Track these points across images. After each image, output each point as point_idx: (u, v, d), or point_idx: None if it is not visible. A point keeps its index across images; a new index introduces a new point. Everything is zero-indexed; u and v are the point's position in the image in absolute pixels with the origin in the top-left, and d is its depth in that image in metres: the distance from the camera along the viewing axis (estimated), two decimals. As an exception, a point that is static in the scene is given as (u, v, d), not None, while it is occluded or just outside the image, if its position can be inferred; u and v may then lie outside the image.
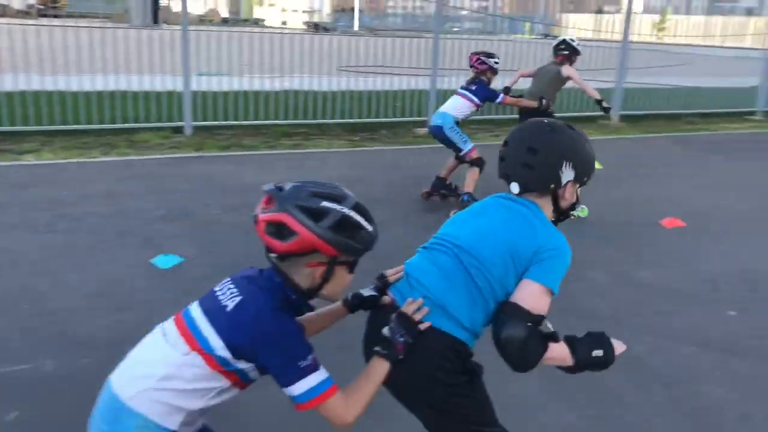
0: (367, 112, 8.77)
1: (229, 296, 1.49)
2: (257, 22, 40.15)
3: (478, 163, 5.22)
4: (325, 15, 48.27)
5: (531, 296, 1.59)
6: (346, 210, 1.43)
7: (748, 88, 11.71)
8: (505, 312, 1.60)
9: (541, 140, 1.71)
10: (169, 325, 1.52)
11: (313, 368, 1.42)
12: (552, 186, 1.70)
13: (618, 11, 10.03)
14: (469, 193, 5.07)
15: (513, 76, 6.26)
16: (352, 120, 8.55)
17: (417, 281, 1.68)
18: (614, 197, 5.77)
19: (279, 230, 1.40)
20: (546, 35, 10.08)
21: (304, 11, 47.13)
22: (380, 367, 1.56)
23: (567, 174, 1.70)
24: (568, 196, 1.73)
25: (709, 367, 2.95)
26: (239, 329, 1.42)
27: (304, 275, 1.46)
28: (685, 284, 3.89)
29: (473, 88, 5.38)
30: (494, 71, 5.46)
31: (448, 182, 5.52)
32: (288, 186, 1.47)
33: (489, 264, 1.63)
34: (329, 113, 8.58)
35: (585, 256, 3.82)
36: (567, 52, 5.63)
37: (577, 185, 1.75)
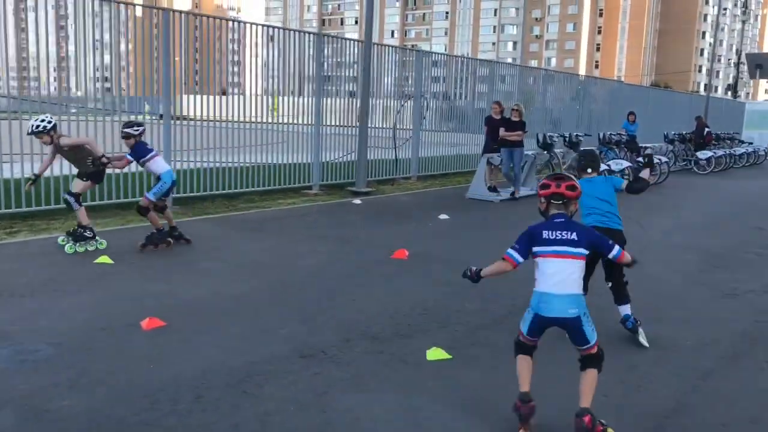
0: None
1: (566, 230, 3.53)
2: None
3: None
4: None
5: None
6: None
7: (305, 164, 12.96)
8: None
9: None
10: (547, 262, 3.48)
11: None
12: None
13: (242, 93, 11.72)
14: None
15: None
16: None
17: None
18: (104, 299, 5.67)
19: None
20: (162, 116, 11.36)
21: None
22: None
23: None
24: None
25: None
26: (586, 238, 3.55)
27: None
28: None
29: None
30: None
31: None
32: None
33: None
34: None
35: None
36: None
37: None
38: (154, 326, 5.08)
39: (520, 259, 3.61)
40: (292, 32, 13.28)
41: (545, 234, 3.55)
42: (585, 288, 4.52)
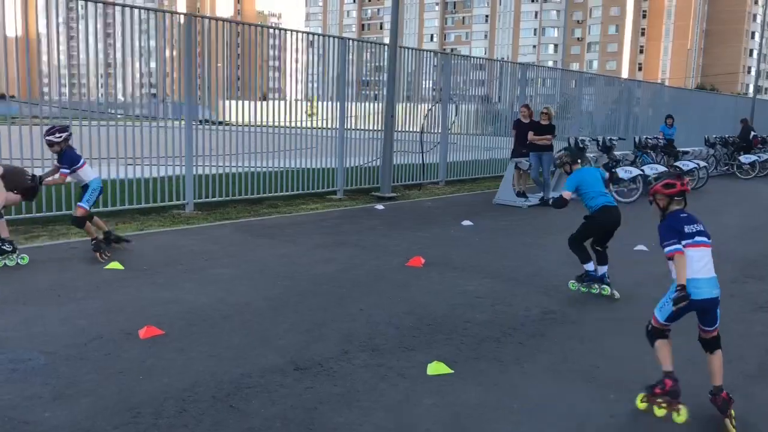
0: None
1: (695, 223, 3.99)
2: None
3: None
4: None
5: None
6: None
7: (331, 169, 12.90)
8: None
9: None
10: (693, 251, 3.84)
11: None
12: None
13: (282, 98, 11.97)
14: None
15: None
16: None
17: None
18: (106, 305, 5.61)
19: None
20: (206, 121, 11.52)
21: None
22: None
23: None
24: None
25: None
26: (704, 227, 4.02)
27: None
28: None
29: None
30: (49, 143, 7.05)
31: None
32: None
33: None
34: None
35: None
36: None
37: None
38: (151, 335, 4.99)
39: (680, 247, 3.92)
40: (317, 36, 13.22)
41: (687, 228, 3.97)
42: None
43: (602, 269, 6.57)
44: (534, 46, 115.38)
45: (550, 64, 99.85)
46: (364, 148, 13.81)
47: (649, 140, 16.31)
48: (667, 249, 3.93)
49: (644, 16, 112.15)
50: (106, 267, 6.85)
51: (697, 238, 3.94)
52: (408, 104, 15.50)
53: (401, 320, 5.60)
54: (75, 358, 4.53)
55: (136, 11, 9.99)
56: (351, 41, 13.42)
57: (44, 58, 10.29)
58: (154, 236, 8.72)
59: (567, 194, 6.52)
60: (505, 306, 6.11)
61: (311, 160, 12.72)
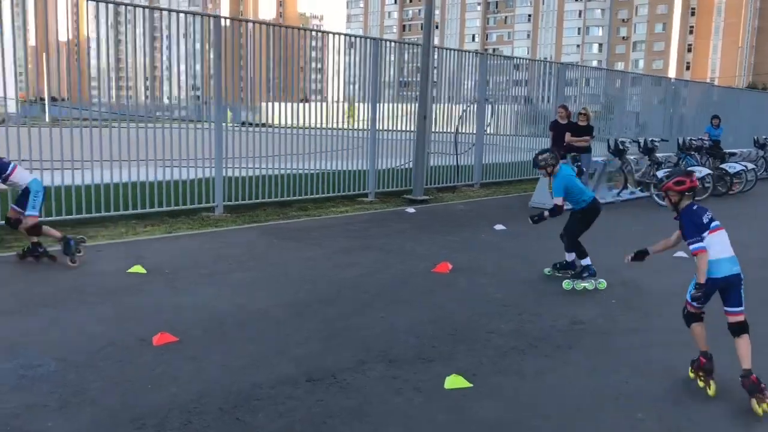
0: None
1: (708, 212, 4.37)
2: None
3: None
4: (11, 105, 42.26)
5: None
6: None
7: (363, 171, 12.77)
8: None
9: None
10: (713, 236, 4.23)
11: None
12: None
13: (322, 100, 12.09)
14: None
15: None
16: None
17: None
18: (124, 310, 5.58)
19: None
20: (246, 123, 11.61)
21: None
22: None
23: None
24: None
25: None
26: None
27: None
28: None
29: None
30: None
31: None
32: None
33: None
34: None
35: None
36: None
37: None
38: (165, 342, 4.91)
39: (704, 245, 4.28)
40: (352, 38, 13.12)
41: (704, 218, 4.38)
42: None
43: (587, 260, 6.92)
44: (578, 46, 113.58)
45: (595, 63, 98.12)
46: (399, 150, 13.62)
47: (694, 141, 15.73)
48: (692, 247, 4.30)
49: (693, 14, 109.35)
50: (129, 270, 6.82)
51: (713, 224, 4.36)
52: (445, 105, 15.27)
53: (422, 329, 5.41)
54: (85, 365, 4.46)
55: (181, 15, 10.06)
56: (384, 42, 13.26)
57: (93, 62, 10.43)
58: (181, 239, 8.70)
59: (559, 200, 6.78)
60: (533, 315, 5.86)
61: (344, 162, 12.59)
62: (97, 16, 9.30)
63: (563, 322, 5.71)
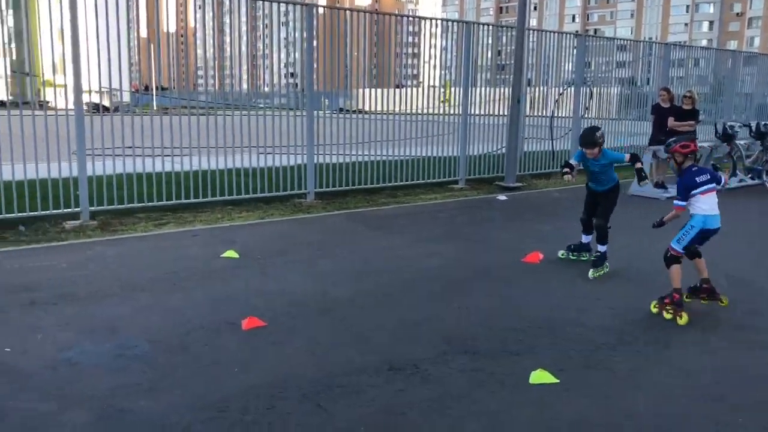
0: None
1: (704, 174, 5.39)
2: (40, 105, 38.08)
3: None
4: (125, 95, 46.04)
5: None
6: None
7: (455, 157, 12.63)
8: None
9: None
10: (706, 197, 5.29)
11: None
12: None
13: (418, 85, 12.23)
14: None
15: None
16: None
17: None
18: (216, 294, 5.74)
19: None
20: (341, 110, 11.86)
21: (96, 91, 44.23)
22: None
23: None
24: None
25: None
26: (712, 174, 5.42)
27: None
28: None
29: None
30: None
31: None
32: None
33: None
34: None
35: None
36: None
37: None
38: (253, 326, 5.02)
39: (685, 204, 5.40)
40: (443, 22, 12.96)
41: (698, 179, 5.35)
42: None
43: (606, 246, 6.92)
44: (686, 24, 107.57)
45: (704, 43, 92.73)
46: (492, 135, 13.36)
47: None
48: (674, 202, 5.48)
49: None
50: (222, 255, 7.04)
51: (706, 186, 5.33)
52: (541, 89, 14.85)
53: (508, 321, 5.27)
54: (177, 348, 4.63)
55: (282, 5, 10.22)
56: (478, 25, 13.00)
57: (199, 51, 10.84)
58: (273, 225, 8.90)
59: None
60: (626, 310, 5.59)
61: (435, 148, 12.49)
62: (203, 7, 9.62)
63: (659, 318, 5.41)
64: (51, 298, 5.59)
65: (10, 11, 8.70)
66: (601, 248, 6.82)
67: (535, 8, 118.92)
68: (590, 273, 6.57)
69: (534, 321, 5.29)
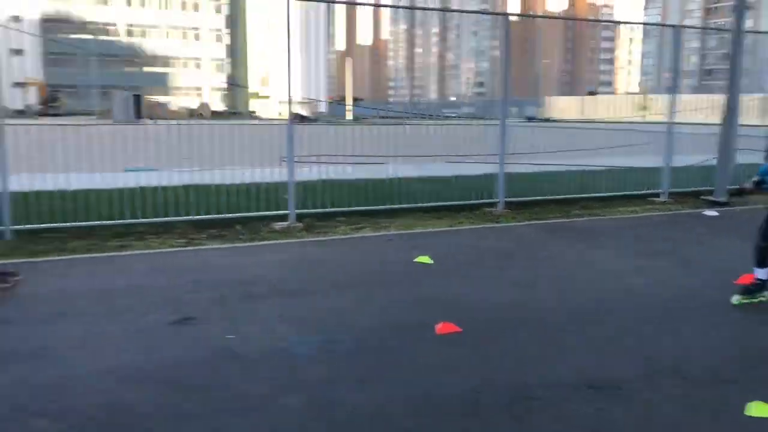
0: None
1: None
2: (250, 115, 43.30)
3: None
4: (323, 105, 51.12)
5: None
6: None
7: (656, 168, 12.08)
8: None
9: None
10: None
11: None
12: None
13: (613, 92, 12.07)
14: None
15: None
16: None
17: None
18: (411, 297, 5.96)
19: None
20: (530, 118, 11.95)
21: (297, 102, 50.21)
22: None
23: None
24: None
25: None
26: None
27: None
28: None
29: None
30: None
31: None
32: None
33: None
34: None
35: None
36: None
37: None
38: (448, 331, 5.12)
39: None
40: (645, 26, 12.29)
41: None
42: None
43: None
44: None
45: None
46: (697, 145, 12.44)
47: None
48: None
49: None
50: (416, 260, 7.25)
51: None
52: (757, 95, 13.56)
53: (721, 347, 4.89)
54: (378, 347, 4.84)
55: (472, 15, 10.40)
56: (685, 28, 12.16)
57: (390, 62, 11.34)
58: (464, 233, 9.01)
59: None
60: None
61: (632, 158, 11.89)
62: (396, 18, 10.02)
63: None
64: (265, 292, 6.13)
65: (227, 30, 9.69)
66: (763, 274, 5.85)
67: (749, 8, 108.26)
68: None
69: (753, 349, 4.85)
